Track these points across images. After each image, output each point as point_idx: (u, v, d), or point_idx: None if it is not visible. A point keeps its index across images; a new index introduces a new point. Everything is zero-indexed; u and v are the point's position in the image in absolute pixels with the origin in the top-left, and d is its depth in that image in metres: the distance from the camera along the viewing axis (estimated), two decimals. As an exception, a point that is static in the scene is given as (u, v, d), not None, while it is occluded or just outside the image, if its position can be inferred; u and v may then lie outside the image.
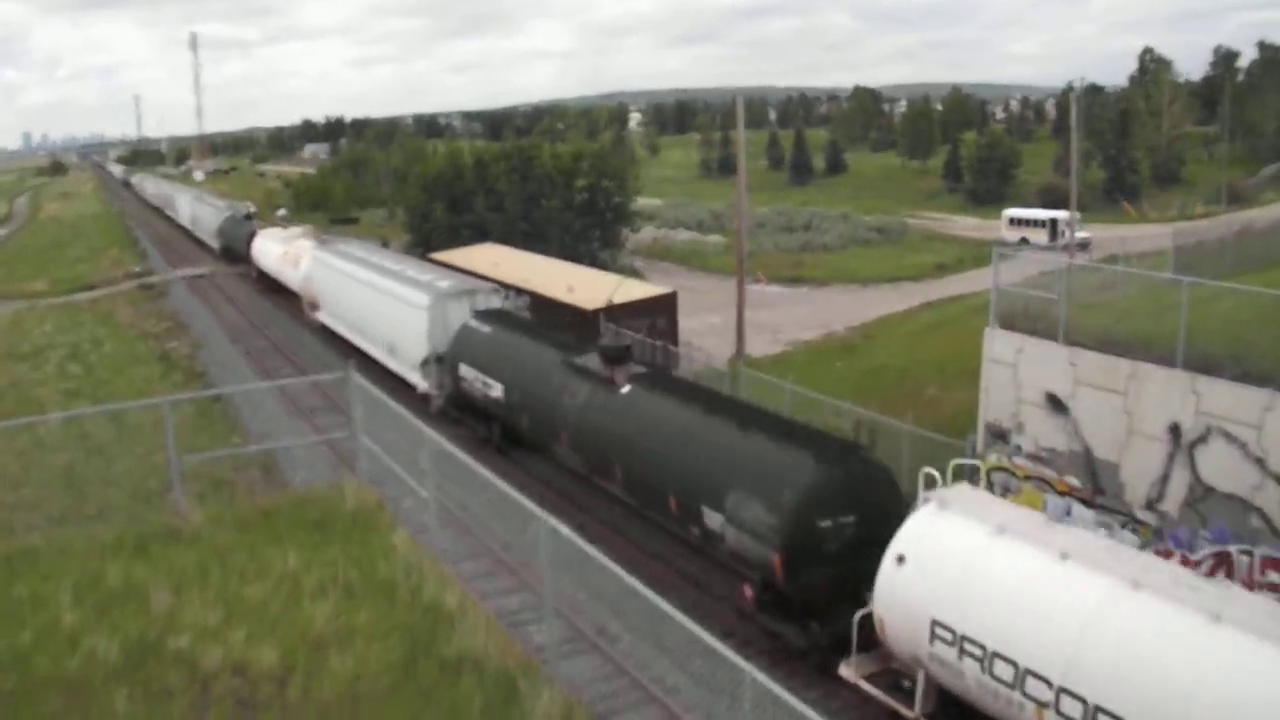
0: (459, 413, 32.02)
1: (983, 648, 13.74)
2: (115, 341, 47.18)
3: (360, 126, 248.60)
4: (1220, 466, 18.43)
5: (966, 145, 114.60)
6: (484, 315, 32.22)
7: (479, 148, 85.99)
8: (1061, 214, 70.99)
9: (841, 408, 27.92)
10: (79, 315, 54.82)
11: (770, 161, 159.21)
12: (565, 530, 11.30)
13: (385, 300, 36.43)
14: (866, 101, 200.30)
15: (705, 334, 44.08)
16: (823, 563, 17.57)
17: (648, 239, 78.86)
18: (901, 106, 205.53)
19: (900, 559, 15.31)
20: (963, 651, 13.99)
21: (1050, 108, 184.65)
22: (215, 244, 75.52)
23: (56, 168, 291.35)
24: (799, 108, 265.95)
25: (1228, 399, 18.22)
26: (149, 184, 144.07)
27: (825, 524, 17.67)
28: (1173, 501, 19.18)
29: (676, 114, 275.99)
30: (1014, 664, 13.33)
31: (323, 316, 44.86)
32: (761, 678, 8.68)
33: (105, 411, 26.54)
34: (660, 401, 23.10)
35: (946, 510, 15.47)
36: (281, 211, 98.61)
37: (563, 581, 13.82)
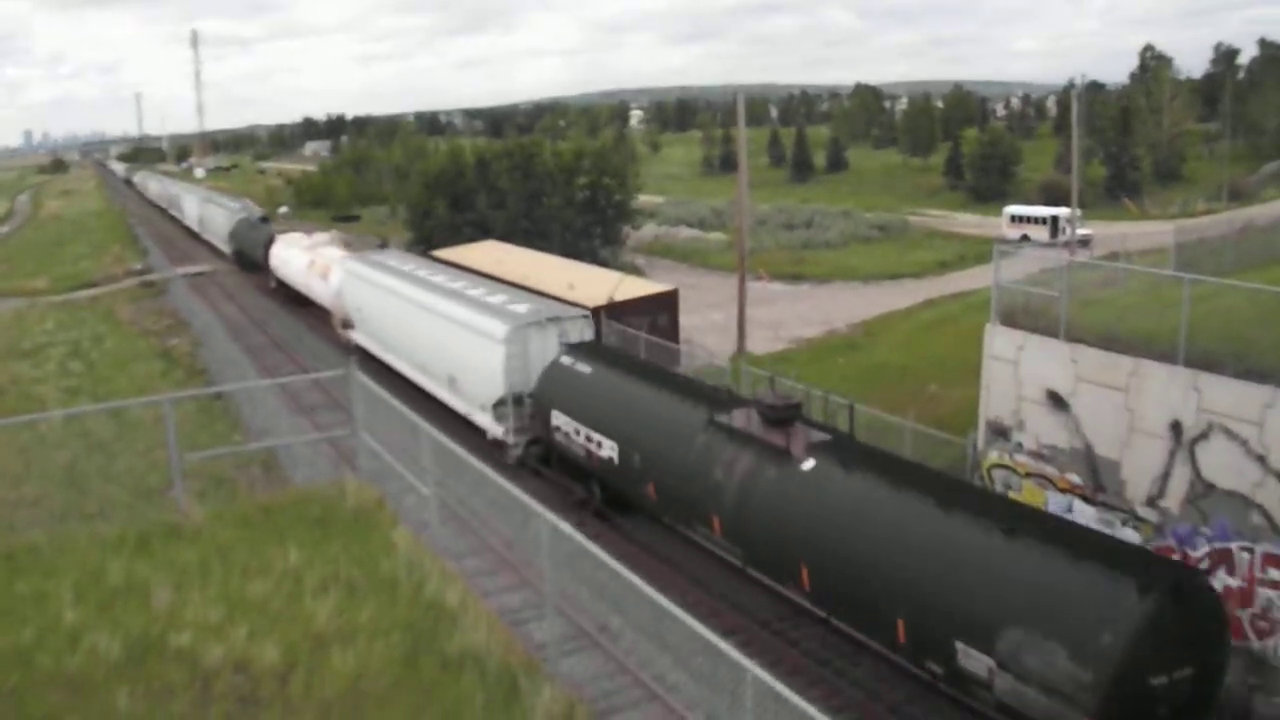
0: (545, 466, 27.71)
1: None
2: (116, 339, 47.21)
3: (362, 124, 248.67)
4: (1221, 463, 18.43)
5: (968, 142, 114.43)
6: (580, 351, 27.02)
7: (480, 145, 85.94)
8: (1063, 211, 70.97)
9: (842, 405, 27.91)
10: (80, 313, 54.83)
11: (771, 159, 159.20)
12: (566, 527, 11.29)
13: (446, 326, 31.28)
14: (868, 99, 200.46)
15: (707, 331, 44.09)
16: None
17: (649, 236, 78.82)
18: (903, 104, 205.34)
19: None
20: None
21: (1051, 105, 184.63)
22: (227, 249, 70.04)
23: (57, 165, 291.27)
24: (800, 105, 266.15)
25: (1229, 396, 18.23)
26: (152, 182, 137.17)
27: (1159, 681, 13.29)
28: (1174, 498, 19.19)
29: (678, 111, 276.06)
30: None
31: (358, 337, 39.92)
32: (763, 675, 8.68)
33: (106, 409, 26.56)
34: (865, 484, 17.72)
35: None
36: (283, 209, 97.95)
37: (564, 579, 13.84)
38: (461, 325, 30.16)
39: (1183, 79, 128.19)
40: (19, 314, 55.07)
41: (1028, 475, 22.06)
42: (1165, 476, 19.43)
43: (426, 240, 65.61)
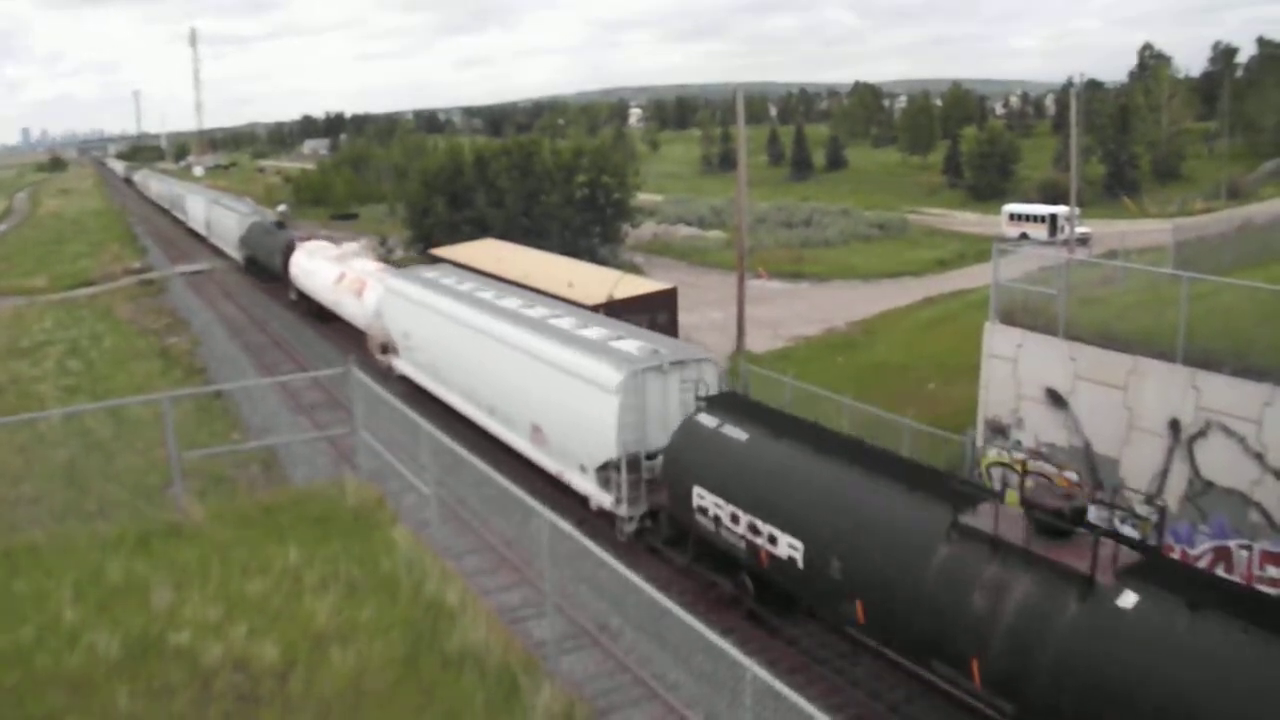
0: (672, 547, 22.05)
1: None
2: (115, 337, 47.19)
3: (360, 122, 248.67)
4: (1220, 461, 18.46)
5: (967, 141, 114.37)
6: (723, 408, 20.80)
7: (479, 144, 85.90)
8: (1061, 209, 71.00)
9: (843, 404, 27.96)
10: (78, 311, 54.81)
11: (770, 157, 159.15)
12: (566, 525, 11.30)
13: (531, 366, 25.68)
14: (867, 97, 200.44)
15: (706, 329, 44.10)
16: None
17: (648, 234, 78.78)
18: (902, 102, 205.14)
19: None
20: None
21: (1050, 103, 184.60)
22: (238, 255, 64.75)
23: (56, 163, 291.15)
24: (799, 103, 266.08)
25: (1227, 394, 18.25)
26: (153, 182, 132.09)
27: None
28: (1172, 496, 19.21)
29: (677, 110, 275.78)
30: None
31: (403, 365, 34.80)
32: (763, 674, 8.69)
33: (105, 407, 26.56)
34: (1229, 638, 11.59)
35: None
36: (281, 207, 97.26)
37: (564, 577, 13.85)
38: (554, 366, 24.56)
39: (1181, 77, 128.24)
40: (18, 312, 55.05)
41: (1026, 473, 22.06)
42: (1164, 474, 19.46)
43: (425, 238, 65.62)
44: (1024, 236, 73.33)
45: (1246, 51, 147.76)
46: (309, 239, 54.77)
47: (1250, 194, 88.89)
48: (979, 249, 64.53)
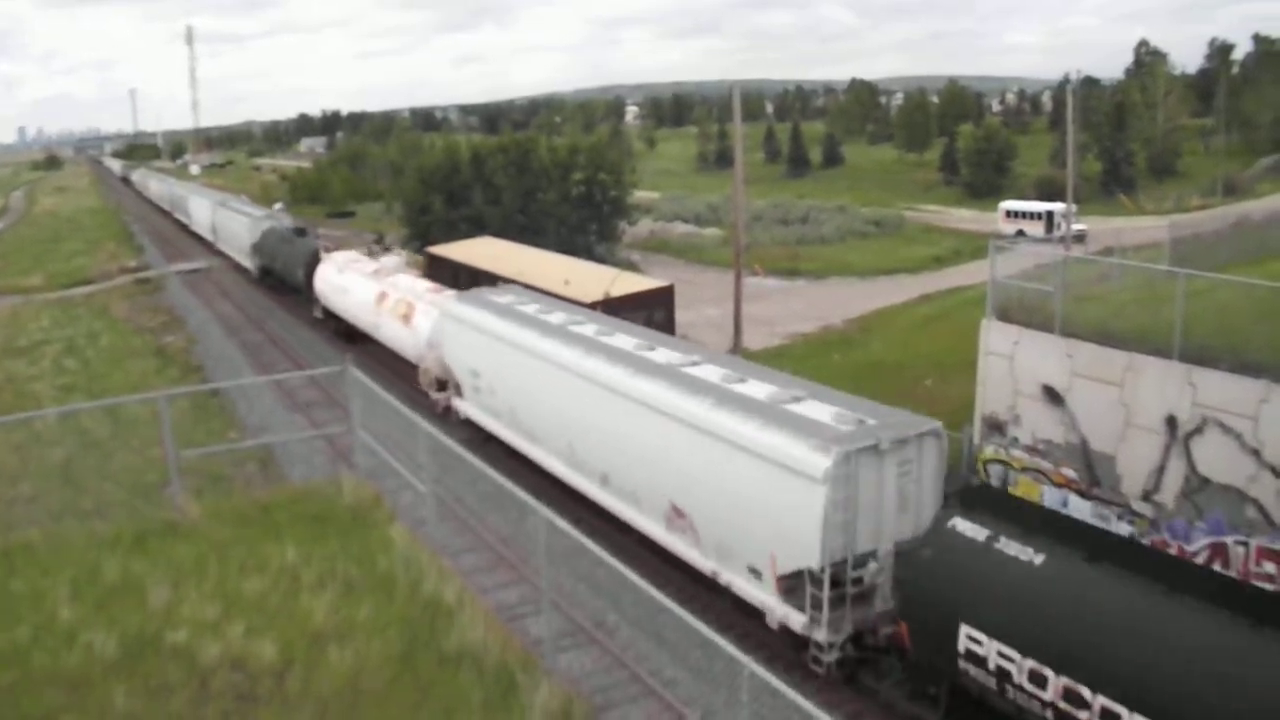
0: (894, 685, 17.07)
1: None
2: (111, 336, 47.15)
3: (357, 120, 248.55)
4: (1216, 458, 18.49)
5: (963, 138, 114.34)
6: (987, 507, 15.44)
7: (476, 141, 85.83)
8: (1058, 206, 70.95)
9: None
10: (75, 310, 54.76)
11: (767, 154, 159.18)
12: (562, 523, 11.31)
13: (678, 433, 19.42)
14: (863, 94, 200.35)
15: (703, 327, 44.09)
16: None
17: (645, 232, 78.73)
18: (898, 99, 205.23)
19: None
20: None
21: (1047, 100, 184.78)
22: (250, 264, 59.08)
23: (52, 162, 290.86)
24: (796, 101, 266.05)
25: (1224, 390, 18.27)
26: (153, 182, 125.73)
27: None
28: (1169, 493, 19.24)
29: (674, 107, 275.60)
30: None
31: (468, 409, 29.23)
32: (760, 670, 8.70)
33: (102, 406, 26.54)
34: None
35: None
36: (277, 205, 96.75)
37: (561, 575, 13.85)
38: (713, 436, 18.54)
39: (1178, 74, 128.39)
40: (14, 311, 54.99)
41: (1023, 470, 22.11)
42: (1160, 471, 19.48)
43: (422, 236, 65.55)
44: (1020, 234, 73.29)
45: (1243, 48, 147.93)
46: (335, 248, 50.33)
47: (1246, 191, 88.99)
48: (975, 246, 64.50)
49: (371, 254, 47.32)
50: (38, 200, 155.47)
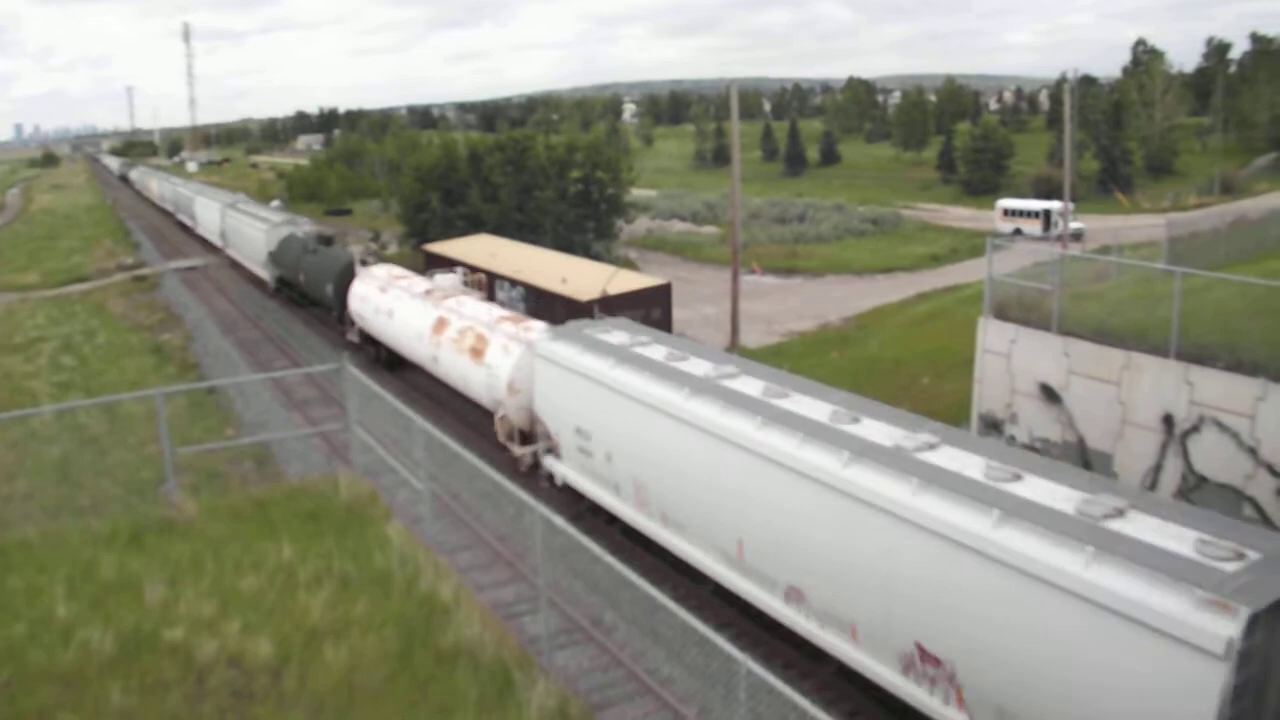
0: None
1: None
2: (108, 333, 47.09)
3: (354, 118, 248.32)
4: (1213, 456, 18.50)
5: (960, 136, 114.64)
6: None
7: (473, 139, 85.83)
8: (1055, 204, 71.01)
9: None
10: (71, 307, 54.69)
11: (764, 153, 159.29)
12: (559, 521, 11.30)
13: (943, 555, 13.44)
14: (861, 92, 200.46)
15: (700, 325, 44.13)
16: None
17: (642, 230, 78.78)
18: (896, 97, 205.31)
19: None
20: None
21: (1044, 98, 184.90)
22: (266, 275, 53.45)
23: (49, 159, 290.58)
24: (793, 99, 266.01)
25: (1220, 389, 18.28)
26: (154, 181, 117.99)
27: None
28: (1166, 492, 19.23)
29: (671, 105, 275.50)
30: None
31: (569, 473, 23.07)
32: (757, 668, 8.70)
33: (98, 403, 26.51)
34: None
35: None
36: (275, 202, 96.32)
37: (558, 572, 13.85)
38: (998, 563, 12.72)
39: (1175, 73, 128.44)
40: (10, 309, 54.92)
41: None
42: (1157, 469, 19.49)
43: (419, 234, 65.54)
44: (1018, 232, 73.36)
45: (1240, 47, 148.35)
46: (371, 260, 42.71)
47: (1243, 189, 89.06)
48: (972, 244, 64.60)
49: (424, 273, 39.60)
50: (34, 197, 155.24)
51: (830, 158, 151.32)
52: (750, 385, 18.62)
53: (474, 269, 44.76)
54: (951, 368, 32.11)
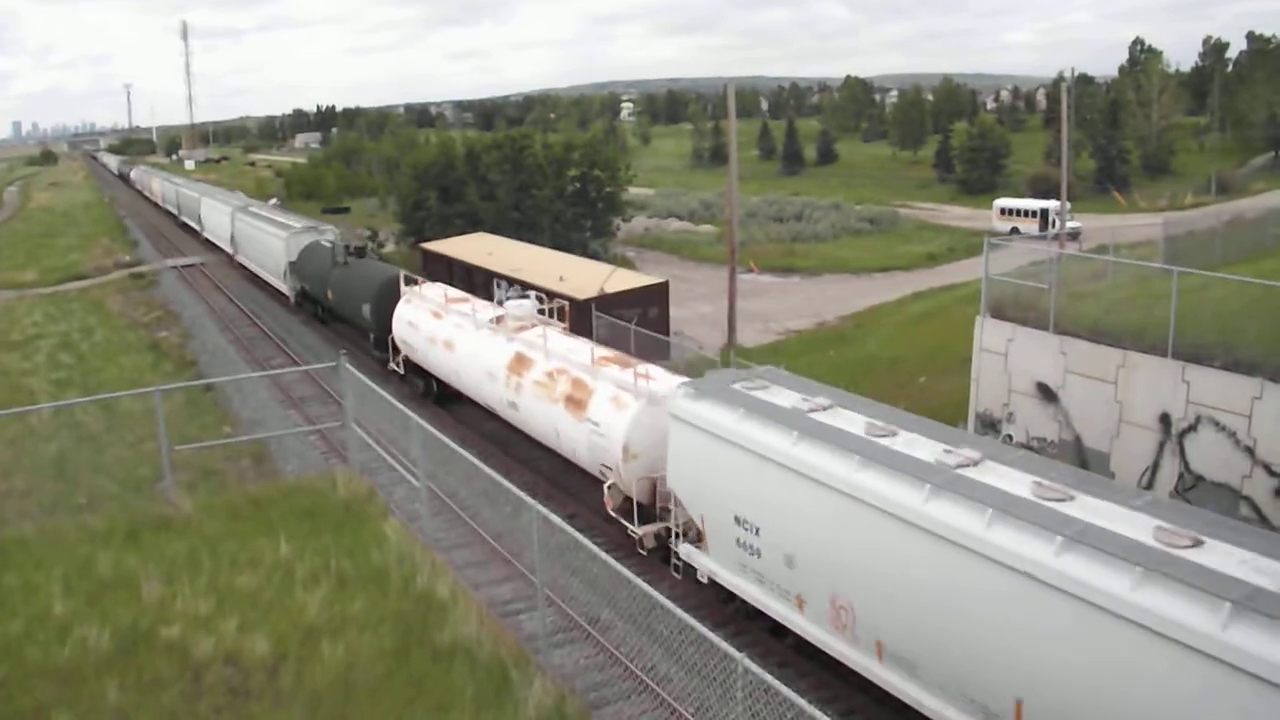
0: None
1: None
2: (106, 330, 47.05)
3: (352, 116, 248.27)
4: (1210, 455, 18.52)
5: (957, 135, 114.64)
6: None
7: (471, 137, 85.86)
8: (1052, 204, 71.09)
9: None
10: (69, 305, 54.63)
11: (762, 151, 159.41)
12: (557, 519, 11.30)
13: None
14: (858, 91, 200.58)
15: (697, 323, 44.14)
16: None
17: (639, 228, 78.80)
18: (893, 96, 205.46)
19: None
20: None
21: (1041, 98, 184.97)
22: (284, 287, 49.24)
23: (47, 157, 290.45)
24: (790, 98, 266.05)
25: (1217, 388, 18.31)
26: (156, 181, 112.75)
27: None
28: (1163, 490, 19.26)
29: (669, 104, 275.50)
30: None
31: (719, 570, 18.42)
32: (754, 667, 8.70)
33: (96, 400, 26.51)
34: None
35: None
36: (273, 201, 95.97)
37: (555, 570, 13.84)
38: None
39: (1172, 72, 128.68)
40: (8, 306, 54.84)
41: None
42: (1154, 468, 19.51)
43: (417, 232, 65.58)
44: (1015, 231, 73.43)
45: (1237, 46, 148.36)
46: (426, 284, 34.92)
47: (1240, 189, 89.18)
48: (969, 243, 64.65)
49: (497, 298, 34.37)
50: (32, 195, 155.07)
51: (827, 157, 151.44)
52: (1009, 478, 13.66)
53: (471, 267, 44.83)
54: (948, 366, 32.11)
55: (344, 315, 40.41)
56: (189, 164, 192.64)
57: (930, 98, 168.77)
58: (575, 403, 22.60)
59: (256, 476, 24.23)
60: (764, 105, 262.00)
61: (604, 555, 10.90)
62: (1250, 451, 17.87)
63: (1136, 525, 11.97)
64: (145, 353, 42.26)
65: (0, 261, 75.51)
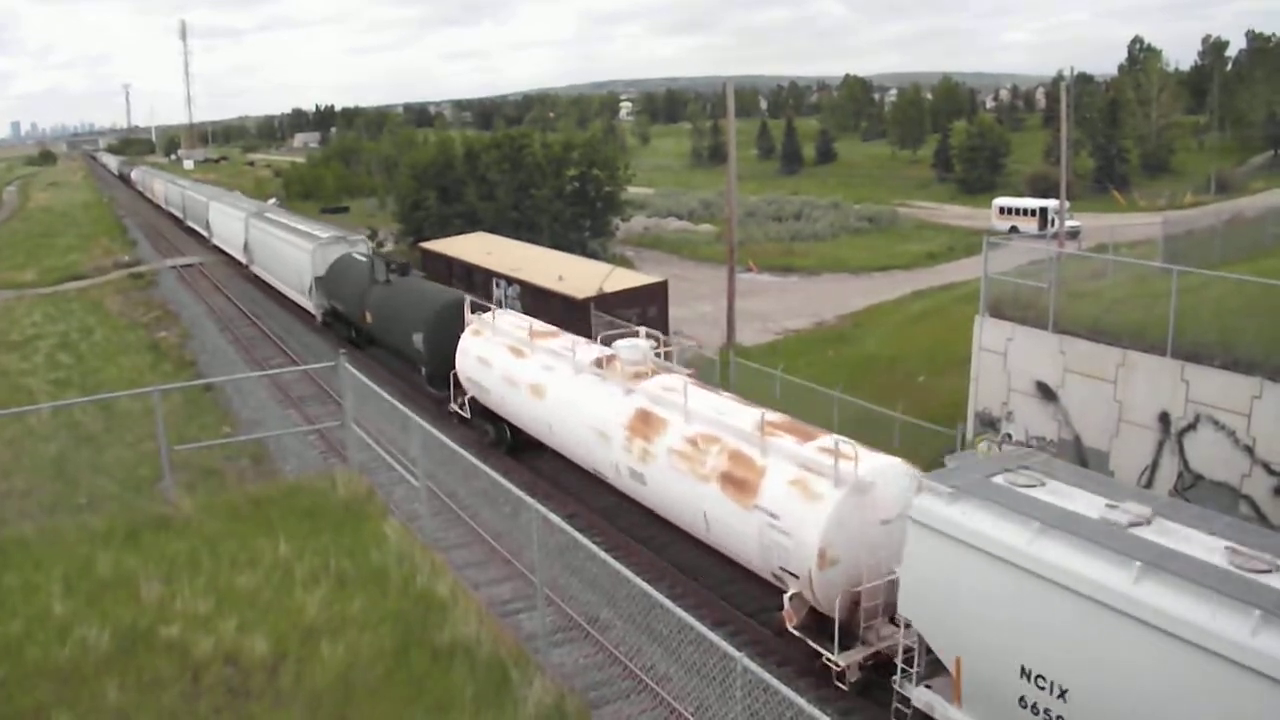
0: None
1: None
2: (105, 330, 47.02)
3: (351, 115, 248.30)
4: (1209, 454, 18.53)
5: (957, 134, 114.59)
6: None
7: (470, 137, 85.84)
8: (1051, 203, 71.09)
9: (834, 397, 27.99)
10: (68, 305, 54.58)
11: (761, 151, 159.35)
12: (556, 518, 11.31)
13: None
14: (857, 90, 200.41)
15: (696, 323, 44.14)
16: None
17: (638, 228, 78.79)
18: (892, 95, 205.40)
19: None
20: None
21: (1040, 97, 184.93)
22: (309, 304, 43.99)
23: (46, 157, 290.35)
24: (789, 97, 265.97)
25: (1216, 387, 18.31)
26: (158, 183, 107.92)
27: None
28: (1162, 489, 19.27)
29: (667, 103, 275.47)
30: None
31: None
32: (753, 666, 8.70)
33: (95, 401, 26.50)
34: None
35: None
36: (272, 200, 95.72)
37: (554, 570, 13.85)
38: None
39: (1171, 71, 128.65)
40: (7, 306, 54.79)
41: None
42: (1153, 467, 19.52)
43: (416, 231, 65.56)
44: (1014, 230, 73.42)
45: (1237, 45, 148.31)
46: (487, 304, 30.86)
47: (1239, 187, 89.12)
48: (969, 242, 64.64)
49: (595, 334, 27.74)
50: (31, 195, 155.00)
51: (827, 156, 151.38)
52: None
53: (470, 266, 44.80)
54: (948, 366, 32.09)
55: (387, 343, 35.18)
56: (188, 164, 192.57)
57: (929, 97, 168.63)
58: (738, 484, 17.48)
59: (256, 476, 24.21)
60: (763, 104, 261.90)
61: (603, 555, 10.90)
62: (1250, 450, 17.88)
63: None
64: (144, 353, 42.24)
65: (0, 261, 75.50)
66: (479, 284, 42.03)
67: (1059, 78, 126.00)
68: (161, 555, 12.65)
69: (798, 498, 16.34)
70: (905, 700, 14.43)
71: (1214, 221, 40.34)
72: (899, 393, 29.78)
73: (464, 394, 28.45)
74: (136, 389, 26.93)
